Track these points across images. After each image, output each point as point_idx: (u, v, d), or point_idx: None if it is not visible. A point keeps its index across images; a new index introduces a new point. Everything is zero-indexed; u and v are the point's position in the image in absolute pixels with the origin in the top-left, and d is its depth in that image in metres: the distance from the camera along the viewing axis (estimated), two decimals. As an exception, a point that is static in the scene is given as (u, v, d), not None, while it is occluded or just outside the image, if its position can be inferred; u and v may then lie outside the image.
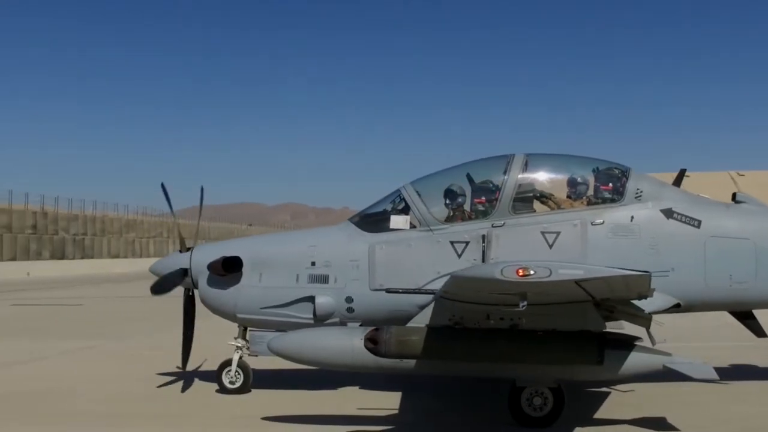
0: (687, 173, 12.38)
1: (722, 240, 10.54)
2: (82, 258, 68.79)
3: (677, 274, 10.44)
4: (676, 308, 10.60)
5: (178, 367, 12.12)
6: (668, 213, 10.58)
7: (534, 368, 9.17)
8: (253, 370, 11.55)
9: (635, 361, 9.05)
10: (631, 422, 9.66)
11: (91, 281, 46.57)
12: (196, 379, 12.40)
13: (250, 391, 11.44)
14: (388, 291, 9.92)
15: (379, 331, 9.05)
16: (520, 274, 7.24)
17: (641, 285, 8.22)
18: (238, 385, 11.35)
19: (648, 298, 10.03)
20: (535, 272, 7.26)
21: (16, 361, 14.95)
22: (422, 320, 9.27)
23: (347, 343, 9.15)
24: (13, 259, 60.59)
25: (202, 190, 12.42)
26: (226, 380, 11.37)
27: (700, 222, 10.54)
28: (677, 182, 11.72)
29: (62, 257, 66.42)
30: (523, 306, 7.77)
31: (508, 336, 9.04)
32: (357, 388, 11.86)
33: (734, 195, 11.23)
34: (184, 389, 11.84)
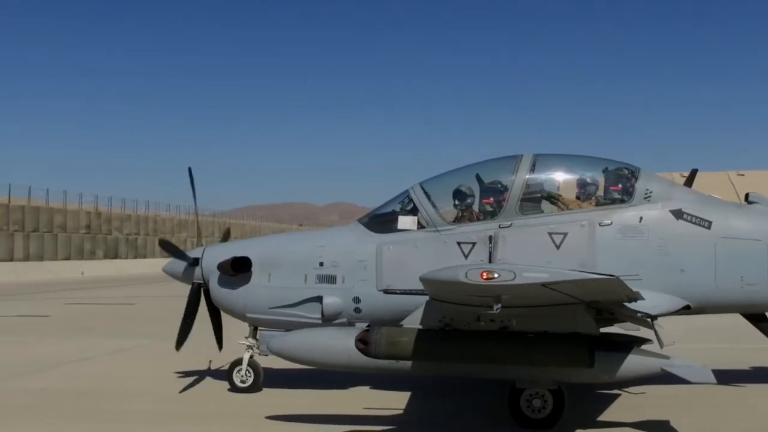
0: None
1: (733, 241, 10.38)
2: (135, 257, 69.92)
3: (687, 275, 10.32)
4: (686, 310, 10.48)
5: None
6: (678, 214, 10.45)
7: (523, 370, 9.13)
8: (264, 369, 11.68)
9: (632, 363, 8.95)
10: (633, 425, 9.57)
11: (143, 280, 47.27)
12: (210, 378, 12.59)
13: (261, 389, 11.58)
14: (386, 292, 9.96)
15: (370, 331, 9.11)
16: (485, 277, 7.26)
17: (614, 288, 8.15)
18: (248, 384, 11.48)
19: (654, 301, 10.10)
20: (500, 275, 7.26)
21: (69, 359, 15.19)
22: (413, 321, 9.28)
23: (343, 344, 9.21)
24: (68, 258, 61.83)
25: (190, 171, 12.37)
26: (237, 379, 11.51)
27: (710, 223, 10.39)
28: (689, 182, 11.58)
29: (115, 257, 67.61)
30: (497, 309, 7.77)
31: (497, 338, 9.02)
32: (368, 388, 11.93)
33: (747, 195, 11.05)
34: (195, 388, 12.04)
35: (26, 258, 57.58)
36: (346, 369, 9.55)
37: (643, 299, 8.75)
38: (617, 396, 11.24)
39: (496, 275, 7.24)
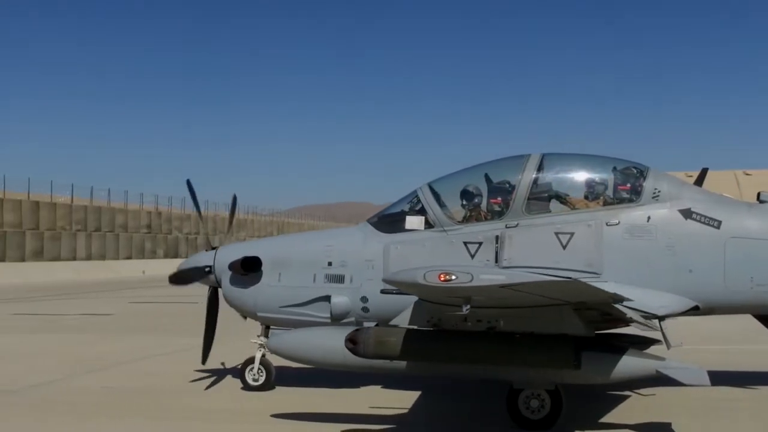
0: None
1: (743, 241, 10.22)
2: (195, 256, 70.79)
3: (695, 275, 10.20)
4: (695, 311, 10.35)
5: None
6: (687, 213, 10.33)
7: (508, 371, 9.12)
8: (278, 368, 11.83)
9: (625, 365, 8.86)
10: (633, 427, 9.51)
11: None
12: (230, 377, 12.77)
13: (273, 388, 11.73)
14: (382, 292, 10.01)
15: (359, 331, 9.19)
16: (442, 279, 7.29)
17: (577, 291, 8.14)
18: (261, 382, 11.66)
19: (661, 302, 10.01)
20: (457, 277, 7.29)
21: (131, 358, 15.51)
22: (402, 321, 9.33)
23: (338, 343, 9.29)
24: (129, 257, 63.11)
25: (188, 183, 12.57)
26: (249, 378, 11.69)
27: (720, 222, 10.25)
28: (699, 181, 11.42)
29: (176, 256, 68.62)
30: (466, 310, 7.80)
31: (483, 338, 9.01)
32: (379, 387, 12.00)
33: (759, 195, 10.86)
34: (210, 386, 12.25)
35: (89, 257, 58.95)
36: (342, 368, 9.63)
37: (630, 300, 8.68)
38: (626, 397, 11.15)
39: (453, 277, 7.28)
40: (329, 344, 9.37)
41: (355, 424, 9.64)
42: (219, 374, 12.90)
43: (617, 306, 8.78)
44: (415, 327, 9.15)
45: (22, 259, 53.13)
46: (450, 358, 9.09)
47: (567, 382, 9.20)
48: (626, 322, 9.89)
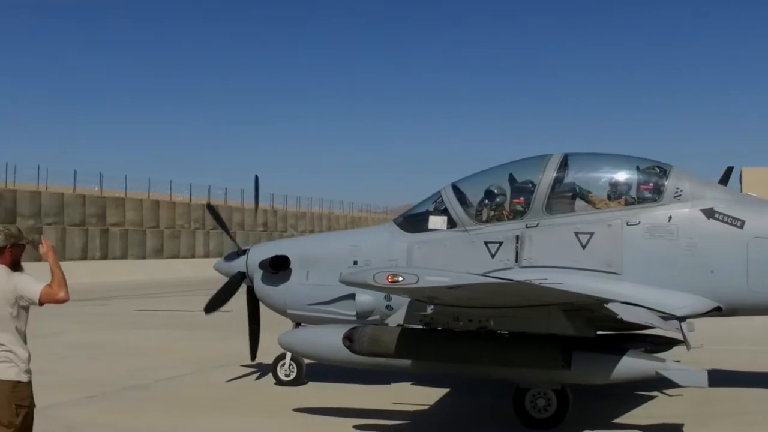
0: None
1: (767, 241, 9.97)
2: (311, 254, 72.12)
3: (717, 276, 10.05)
4: (718, 312, 10.17)
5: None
6: (709, 213, 10.17)
7: (498, 370, 9.19)
8: (309, 364, 12.14)
9: (623, 366, 8.83)
10: (643, 428, 9.45)
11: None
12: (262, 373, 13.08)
13: (306, 383, 12.08)
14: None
15: (356, 329, 9.42)
16: (390, 280, 7.48)
17: (525, 292, 8.25)
18: (292, 377, 12.04)
19: (681, 302, 9.89)
20: (404, 278, 7.46)
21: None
22: (397, 320, 9.50)
23: (341, 341, 9.55)
24: (246, 254, 64.61)
25: (256, 179, 12.93)
26: (281, 373, 12.08)
27: (743, 222, 10.06)
28: (724, 180, 11.17)
29: (291, 252, 70.04)
30: (430, 310, 7.94)
31: (473, 338, 9.11)
32: (409, 384, 12.19)
33: (786, 193, 10.56)
34: (243, 380, 12.65)
35: (206, 255, 60.77)
36: (347, 365, 9.90)
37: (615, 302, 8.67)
38: (651, 397, 11.04)
39: (400, 278, 7.48)
40: (334, 341, 9.64)
41: (372, 419, 9.86)
42: (261, 369, 13.21)
43: (608, 307, 8.75)
44: (409, 325, 9.33)
45: (143, 257, 55.32)
46: (440, 356, 9.25)
47: (558, 382, 9.22)
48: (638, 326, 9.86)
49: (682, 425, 9.52)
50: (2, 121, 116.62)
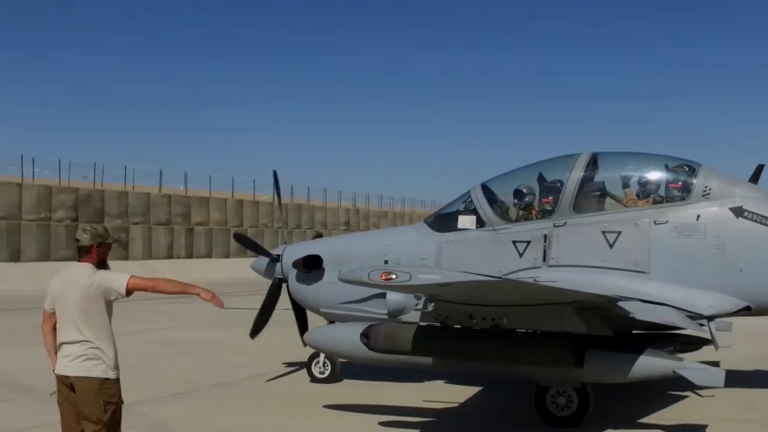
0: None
1: None
2: (393, 252, 72.56)
3: (746, 275, 9.92)
4: (747, 311, 10.01)
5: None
6: (738, 211, 10.03)
7: (511, 368, 9.24)
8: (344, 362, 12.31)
9: (640, 365, 8.82)
10: (665, 428, 9.39)
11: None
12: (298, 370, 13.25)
13: (340, 380, 12.30)
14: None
15: (372, 326, 9.56)
16: (383, 278, 7.58)
17: (509, 290, 8.30)
18: (327, 374, 12.27)
19: (709, 301, 9.78)
20: (397, 276, 7.54)
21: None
22: (413, 318, 9.61)
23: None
24: (329, 253, 65.34)
25: (275, 174, 13.18)
26: (315, 371, 12.33)
27: None
28: (755, 179, 10.95)
29: (373, 251, 70.55)
30: (424, 306, 8.02)
31: (486, 336, 9.15)
32: (442, 382, 12.27)
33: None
34: (281, 377, 12.87)
35: (289, 253, 61.62)
36: (367, 362, 10.05)
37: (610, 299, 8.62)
38: (683, 397, 10.94)
39: (393, 276, 7.58)
40: (354, 339, 9.80)
41: (401, 416, 10.00)
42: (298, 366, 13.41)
43: (622, 305, 8.72)
44: (425, 323, 9.44)
45: (227, 256, 56.38)
46: (453, 354, 9.34)
47: (574, 380, 9.22)
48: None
49: (705, 426, 9.39)
50: (90, 123, 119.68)
